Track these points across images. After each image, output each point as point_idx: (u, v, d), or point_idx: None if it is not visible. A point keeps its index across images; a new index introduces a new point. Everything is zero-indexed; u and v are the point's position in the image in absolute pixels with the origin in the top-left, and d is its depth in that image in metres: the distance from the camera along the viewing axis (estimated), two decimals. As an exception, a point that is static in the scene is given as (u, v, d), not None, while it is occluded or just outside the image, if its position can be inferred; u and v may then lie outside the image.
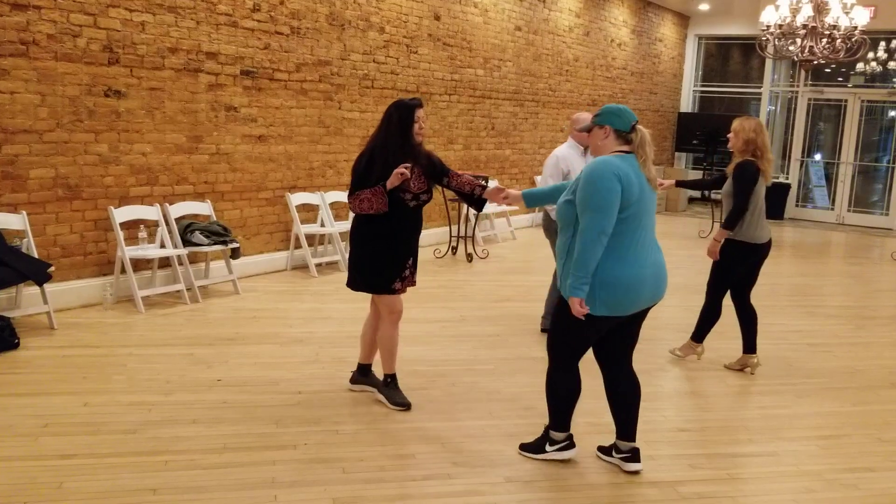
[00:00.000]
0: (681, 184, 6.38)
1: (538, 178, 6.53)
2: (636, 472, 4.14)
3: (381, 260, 4.77)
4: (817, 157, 16.94)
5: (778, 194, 16.46)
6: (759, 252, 5.81)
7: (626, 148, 3.95)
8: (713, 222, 13.19)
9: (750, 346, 6.01)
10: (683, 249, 11.50)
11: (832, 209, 16.51)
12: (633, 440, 4.18)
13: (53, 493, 3.65)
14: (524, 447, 4.33)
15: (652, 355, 6.15)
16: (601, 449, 4.34)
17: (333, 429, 4.52)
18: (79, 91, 6.64)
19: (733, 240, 5.68)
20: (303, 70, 8.66)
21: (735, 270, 5.82)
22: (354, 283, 4.92)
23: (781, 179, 16.86)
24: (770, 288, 9.45)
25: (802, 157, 16.72)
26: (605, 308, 3.84)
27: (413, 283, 4.96)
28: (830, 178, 16.65)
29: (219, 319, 6.76)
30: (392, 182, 4.61)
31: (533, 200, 4.62)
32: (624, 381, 4.17)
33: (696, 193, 17.27)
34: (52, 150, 6.52)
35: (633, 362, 4.22)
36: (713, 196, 13.74)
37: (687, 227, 14.13)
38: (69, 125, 6.61)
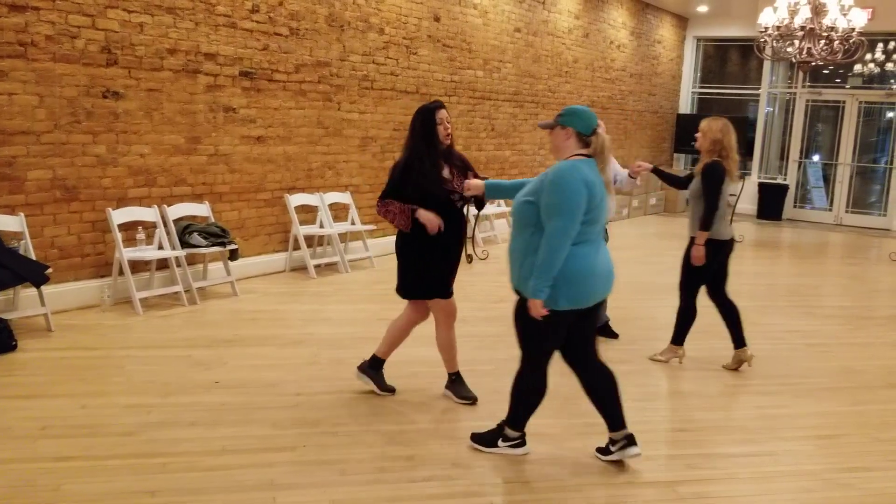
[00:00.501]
0: (656, 171, 6.44)
1: None
2: (637, 456, 4.17)
3: (437, 265, 4.82)
4: (815, 158, 16.95)
5: (776, 195, 16.51)
6: (727, 248, 5.92)
7: (585, 151, 4.03)
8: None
9: (739, 340, 6.05)
10: (682, 250, 11.48)
11: (830, 210, 16.52)
12: (625, 427, 4.22)
13: (51, 496, 3.65)
14: (475, 438, 4.38)
15: (650, 355, 6.16)
16: (599, 450, 4.34)
17: (332, 430, 4.52)
18: (77, 92, 6.64)
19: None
20: (302, 71, 8.66)
21: (706, 268, 5.88)
22: (408, 290, 4.95)
23: (779, 180, 16.89)
24: (768, 288, 9.47)
25: (800, 158, 16.73)
26: (566, 301, 3.94)
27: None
28: (828, 179, 16.67)
29: (217, 321, 6.76)
30: (423, 216, 4.67)
31: (494, 192, 4.61)
32: (597, 374, 4.25)
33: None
34: (49, 152, 6.52)
35: (611, 357, 4.24)
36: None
37: (685, 227, 14.11)
38: (67, 126, 6.61)
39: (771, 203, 16.52)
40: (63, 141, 6.60)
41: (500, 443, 4.30)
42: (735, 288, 9.20)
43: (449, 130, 4.80)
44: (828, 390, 5.70)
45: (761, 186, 16.70)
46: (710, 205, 5.71)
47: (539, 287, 3.85)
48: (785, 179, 16.88)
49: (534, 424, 4.56)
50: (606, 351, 6.36)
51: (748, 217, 16.30)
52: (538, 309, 3.88)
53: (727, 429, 4.87)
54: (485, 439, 4.35)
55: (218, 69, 7.76)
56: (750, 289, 9.44)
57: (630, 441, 4.19)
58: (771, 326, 7.43)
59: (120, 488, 3.73)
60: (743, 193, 14.90)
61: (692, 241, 5.87)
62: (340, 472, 4.00)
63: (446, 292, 4.89)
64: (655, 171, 6.43)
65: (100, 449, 4.15)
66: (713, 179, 5.71)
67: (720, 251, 5.88)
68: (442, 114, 4.78)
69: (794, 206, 16.84)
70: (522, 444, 4.32)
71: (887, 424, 5.05)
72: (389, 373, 5.27)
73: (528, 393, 4.24)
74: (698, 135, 5.84)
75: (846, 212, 16.33)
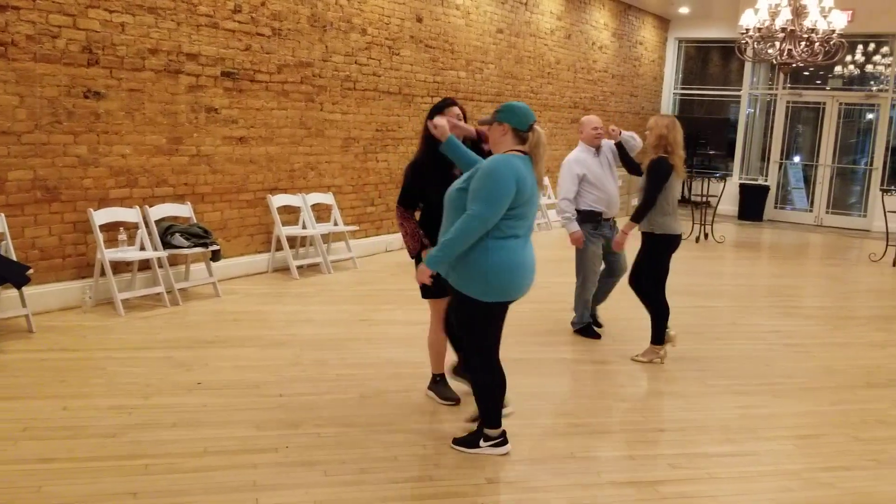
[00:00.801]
0: (619, 145, 6.52)
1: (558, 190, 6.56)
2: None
3: None
4: (796, 159, 17.07)
5: (757, 196, 16.62)
6: (677, 242, 6.06)
7: (522, 147, 4.13)
8: (693, 224, 13.25)
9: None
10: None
11: (810, 211, 16.65)
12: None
13: (33, 497, 3.63)
14: (457, 441, 4.40)
15: (631, 356, 6.19)
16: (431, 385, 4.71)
17: (315, 431, 4.51)
18: (58, 92, 6.61)
19: (656, 234, 5.94)
20: (284, 71, 8.65)
21: (663, 262, 6.05)
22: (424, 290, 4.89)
23: (760, 182, 17.00)
24: (748, 289, 9.53)
25: (781, 159, 16.85)
26: (496, 294, 4.06)
27: None
28: (809, 180, 16.79)
29: (199, 322, 6.74)
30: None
31: (450, 149, 4.47)
32: None
33: (677, 195, 17.35)
34: (30, 152, 6.48)
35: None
36: (692, 199, 13.81)
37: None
38: (48, 126, 6.57)
39: (752, 204, 16.63)
40: (44, 141, 6.56)
41: (481, 443, 4.32)
42: (716, 289, 9.31)
43: (455, 122, 4.67)
44: (808, 390, 5.74)
45: (742, 187, 16.81)
46: (647, 199, 5.86)
47: (440, 259, 3.99)
48: (766, 180, 16.99)
49: (516, 425, 4.59)
50: (588, 351, 6.40)
51: (729, 218, 16.40)
52: (425, 276, 4.06)
53: (708, 429, 4.89)
54: (466, 441, 4.36)
55: (200, 69, 7.74)
56: (730, 289, 9.50)
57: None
58: (751, 327, 7.48)
59: (102, 490, 3.72)
60: (724, 194, 15.02)
61: (644, 237, 6.04)
62: (323, 473, 4.00)
63: (439, 292, 4.84)
64: (619, 145, 6.50)
65: (82, 450, 4.13)
66: (657, 175, 5.86)
67: (670, 245, 6.03)
68: (451, 112, 4.69)
69: (775, 207, 16.95)
70: (504, 442, 4.33)
71: (867, 424, 5.10)
72: (370, 373, 5.27)
73: (487, 389, 4.30)
74: (647, 131, 6.00)
75: (826, 213, 16.46)
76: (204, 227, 7.62)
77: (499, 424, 4.33)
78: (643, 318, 6.28)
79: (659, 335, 6.11)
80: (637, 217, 5.91)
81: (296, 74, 8.80)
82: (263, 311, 7.22)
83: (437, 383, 5.12)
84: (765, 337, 7.13)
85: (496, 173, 3.95)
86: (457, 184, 4.12)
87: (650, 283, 6.06)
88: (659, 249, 5.98)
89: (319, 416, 4.74)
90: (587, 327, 6.74)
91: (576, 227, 6.47)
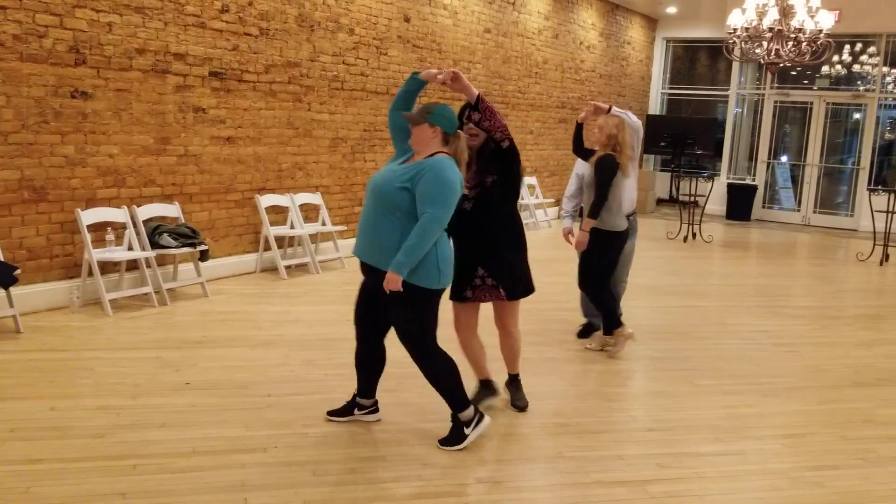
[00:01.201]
0: (579, 126, 6.45)
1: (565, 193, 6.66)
2: (374, 420, 4.67)
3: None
4: (783, 158, 17.14)
5: (744, 196, 16.68)
6: (621, 238, 6.16)
7: (446, 150, 4.26)
8: (681, 224, 13.29)
9: (606, 328, 6.27)
10: (652, 251, 11.57)
11: (798, 210, 16.72)
12: (374, 396, 4.70)
13: (20, 498, 3.61)
14: (443, 441, 4.40)
15: (621, 356, 6.20)
16: (334, 413, 4.69)
17: (303, 431, 4.51)
18: (45, 92, 6.58)
19: (599, 229, 6.01)
20: (272, 71, 8.63)
21: (609, 257, 6.14)
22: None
23: (748, 181, 17.07)
24: (736, 288, 9.55)
25: (769, 158, 16.91)
26: (445, 280, 4.26)
27: (487, 299, 4.79)
28: (796, 180, 16.86)
29: (187, 322, 6.72)
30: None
31: (416, 81, 4.66)
32: (379, 350, 4.62)
33: (665, 195, 17.44)
34: (17, 152, 6.45)
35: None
36: (681, 198, 13.84)
37: (654, 228, 14.22)
38: (35, 126, 6.54)
39: (740, 204, 16.68)
40: (31, 141, 6.53)
41: (465, 431, 4.33)
42: (703, 289, 9.33)
43: (473, 131, 4.57)
44: (795, 389, 5.76)
45: (730, 187, 16.86)
46: (598, 195, 5.93)
47: (405, 265, 4.06)
48: (753, 180, 17.05)
49: (505, 424, 4.60)
50: (576, 351, 6.40)
51: (717, 218, 16.45)
52: (395, 283, 4.09)
53: (696, 428, 4.91)
54: (451, 440, 4.36)
55: (187, 69, 7.72)
56: (718, 289, 9.53)
57: (373, 409, 4.70)
58: (739, 326, 7.50)
59: (90, 490, 3.71)
60: (712, 194, 15.06)
61: (590, 232, 6.08)
62: (312, 473, 4.00)
63: (459, 294, 4.76)
64: (579, 126, 6.42)
65: (69, 451, 4.12)
66: (605, 171, 5.92)
67: (617, 241, 6.12)
68: (467, 129, 4.53)
69: (763, 207, 17.01)
70: (482, 417, 4.39)
71: (854, 423, 5.12)
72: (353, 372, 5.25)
73: (441, 376, 4.34)
74: (596, 130, 6.07)
75: (814, 212, 16.53)
76: (192, 227, 7.60)
77: (467, 404, 4.36)
78: (633, 318, 6.29)
79: (614, 321, 6.14)
80: (594, 213, 5.98)
81: (283, 74, 8.78)
82: (251, 311, 7.20)
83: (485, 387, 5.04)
84: (753, 336, 7.15)
85: (447, 177, 4.09)
86: (396, 182, 4.13)
87: (594, 273, 6.15)
88: (604, 245, 6.07)
89: (308, 416, 4.73)
90: (586, 326, 6.72)
91: (566, 223, 6.54)
